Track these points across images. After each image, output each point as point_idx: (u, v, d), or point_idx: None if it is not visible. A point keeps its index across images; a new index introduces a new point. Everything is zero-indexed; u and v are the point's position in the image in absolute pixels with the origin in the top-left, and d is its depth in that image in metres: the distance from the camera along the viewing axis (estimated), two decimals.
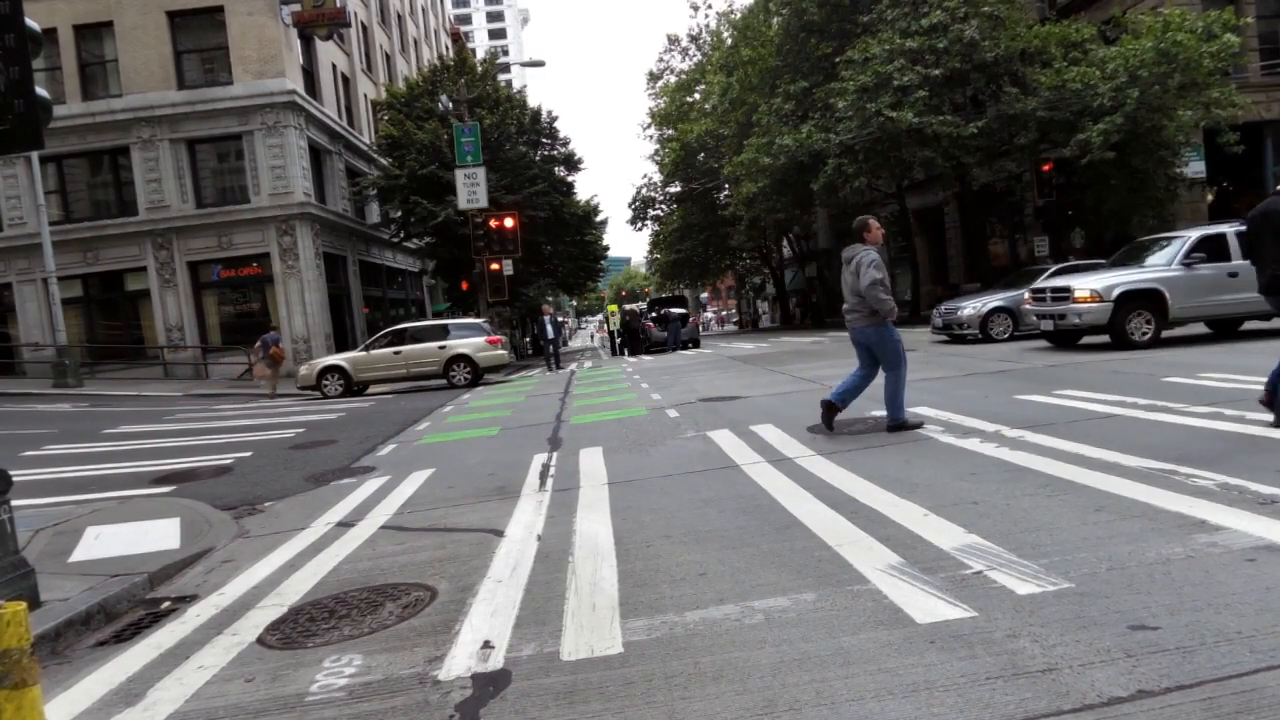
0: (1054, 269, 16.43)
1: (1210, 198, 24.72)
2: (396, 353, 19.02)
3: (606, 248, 42.06)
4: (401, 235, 31.35)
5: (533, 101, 34.63)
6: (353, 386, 18.88)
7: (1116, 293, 11.94)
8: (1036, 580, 3.49)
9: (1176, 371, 9.09)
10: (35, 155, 20.83)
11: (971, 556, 3.87)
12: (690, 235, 44.40)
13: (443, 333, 19.52)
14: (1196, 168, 23.11)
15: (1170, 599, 3.18)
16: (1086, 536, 4.00)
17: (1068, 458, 5.59)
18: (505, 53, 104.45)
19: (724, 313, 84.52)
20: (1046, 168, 22.73)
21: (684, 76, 48.75)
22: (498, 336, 20.60)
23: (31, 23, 4.75)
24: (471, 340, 19.25)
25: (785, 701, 2.71)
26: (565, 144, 33.87)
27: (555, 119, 33.37)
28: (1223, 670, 2.59)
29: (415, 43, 44.62)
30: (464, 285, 30.43)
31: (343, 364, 19.00)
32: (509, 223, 24.96)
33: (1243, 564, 3.46)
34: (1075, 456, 5.60)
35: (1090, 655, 2.78)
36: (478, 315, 24.57)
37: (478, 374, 19.11)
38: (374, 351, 19.15)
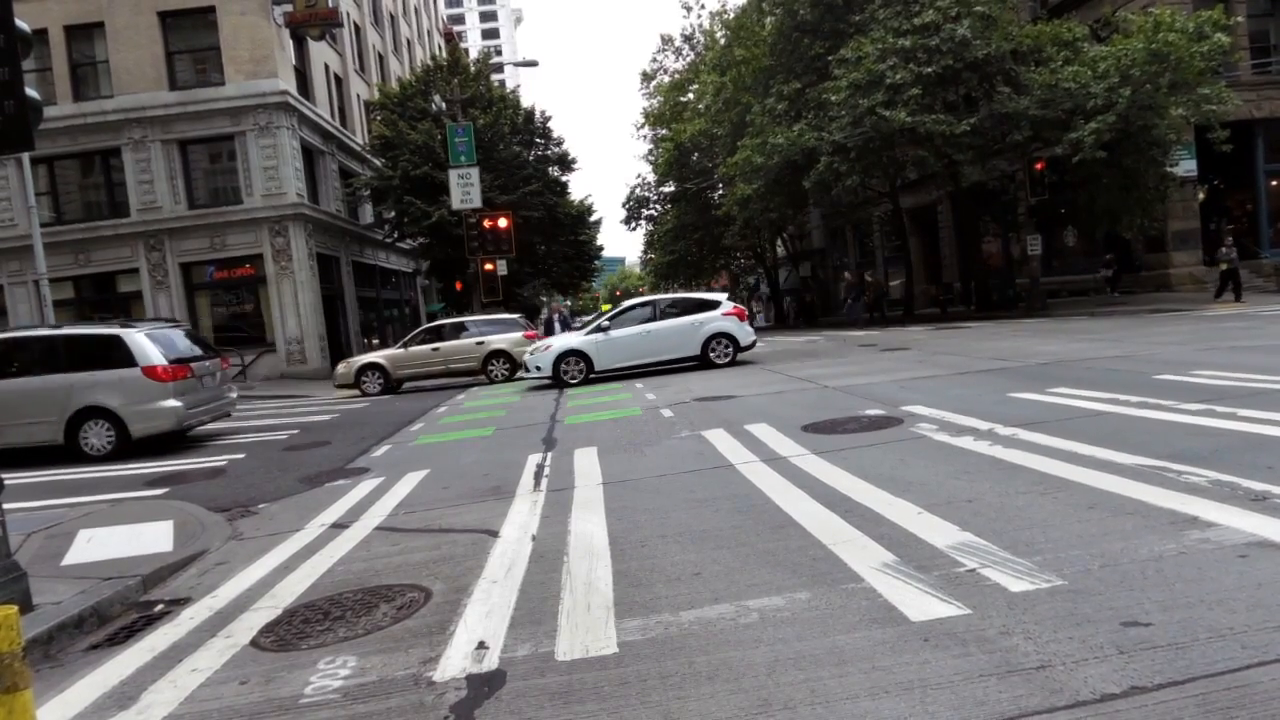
0: None
1: (1201, 196, 24.85)
2: (435, 349, 19.06)
3: (601, 247, 42.04)
4: (395, 236, 31.28)
5: (526, 102, 34.59)
6: (391, 384, 18.90)
7: None
8: (1030, 578, 3.51)
9: (1168, 369, 9.13)
10: (26, 156, 20.65)
11: (965, 554, 3.88)
12: (684, 235, 44.35)
13: (479, 328, 19.64)
14: (1188, 166, 23.22)
15: (1163, 596, 3.19)
16: (1079, 534, 4.01)
17: (1060, 455, 5.61)
18: (498, 53, 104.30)
19: None
20: (1039, 166, 22.81)
21: (677, 76, 48.71)
22: (534, 331, 20.82)
23: (21, 23, 4.73)
24: (509, 335, 19.44)
25: (780, 700, 2.71)
26: (559, 144, 33.85)
27: (549, 119, 33.35)
28: (1215, 666, 2.61)
29: (408, 43, 44.52)
30: (458, 285, 30.39)
31: (381, 361, 19.01)
32: (503, 223, 24.92)
33: (1235, 560, 3.48)
34: (1068, 454, 5.62)
35: (1083, 652, 2.80)
36: (472, 315, 24.57)
37: (515, 369, 19.23)
38: (412, 349, 19.19)
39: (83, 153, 24.85)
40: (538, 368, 15.81)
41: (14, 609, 2.35)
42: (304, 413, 15.64)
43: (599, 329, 16.04)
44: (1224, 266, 19.81)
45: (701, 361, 15.78)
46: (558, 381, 15.49)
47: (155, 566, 5.21)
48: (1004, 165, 24.69)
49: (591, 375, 15.66)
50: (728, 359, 15.82)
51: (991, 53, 21.74)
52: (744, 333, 16.10)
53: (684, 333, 15.84)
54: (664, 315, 16.15)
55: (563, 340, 16.25)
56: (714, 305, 16.29)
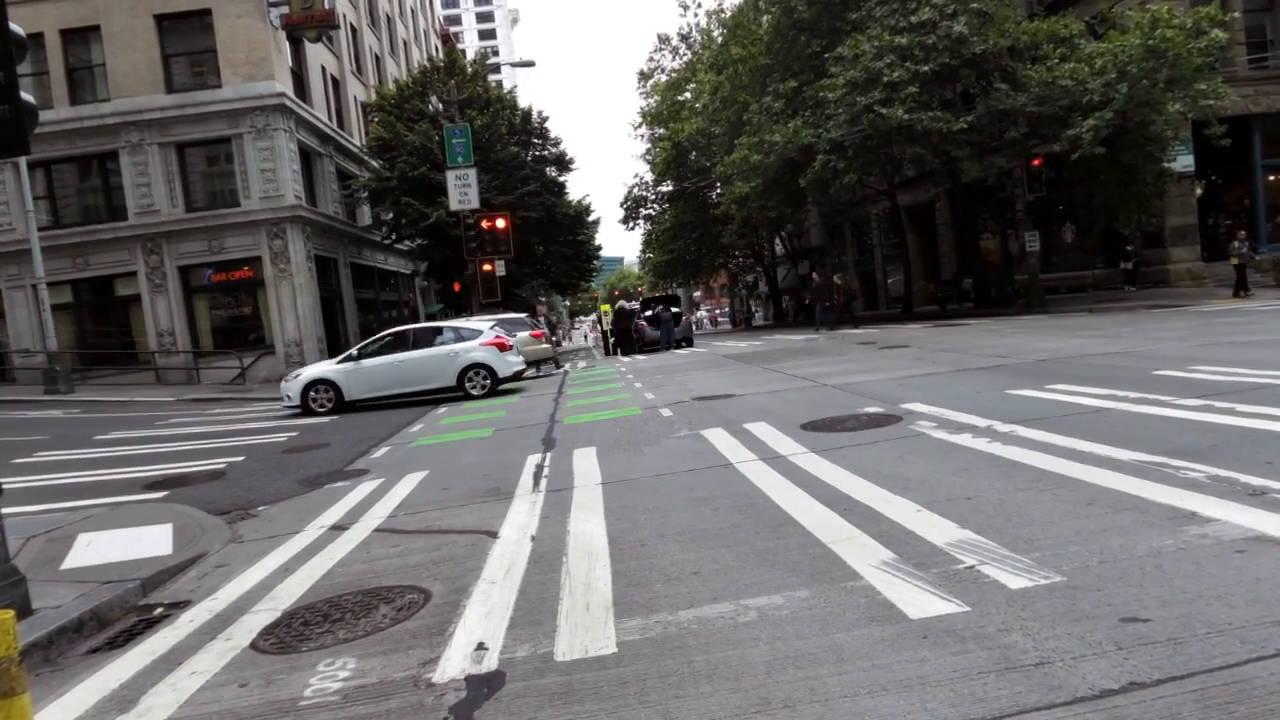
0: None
1: (1199, 191, 24.85)
2: None
3: (599, 247, 42.03)
4: (393, 237, 31.28)
5: (523, 102, 34.60)
6: None
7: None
8: (1029, 574, 3.51)
9: (1167, 365, 9.14)
10: (23, 161, 20.69)
11: (964, 551, 3.88)
12: (683, 234, 44.38)
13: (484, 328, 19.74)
14: (1185, 162, 23.21)
15: (1161, 591, 3.19)
16: (1078, 530, 4.02)
17: (1059, 452, 5.61)
18: (495, 53, 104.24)
19: (717, 311, 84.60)
20: (1036, 163, 22.81)
21: (675, 75, 48.72)
22: (540, 330, 20.96)
23: (16, 27, 4.73)
24: (516, 335, 19.51)
25: (779, 699, 2.71)
26: (556, 144, 33.85)
27: (546, 119, 33.35)
28: (1214, 661, 2.61)
29: (405, 44, 44.49)
30: (456, 286, 30.40)
31: None
32: (501, 223, 24.93)
33: (1233, 555, 3.48)
34: (1067, 450, 5.62)
35: (1082, 648, 2.80)
36: (471, 316, 24.62)
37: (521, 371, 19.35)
38: None
39: (80, 156, 24.81)
40: (288, 396, 15.46)
41: (10, 614, 2.35)
42: (303, 414, 15.62)
43: (349, 357, 15.65)
44: (1235, 261, 19.51)
45: (458, 392, 15.38)
46: (307, 411, 15.03)
47: (155, 570, 5.21)
48: (1002, 162, 24.70)
49: (344, 405, 15.20)
50: (484, 390, 15.41)
51: (988, 49, 21.74)
52: (503, 363, 15.67)
53: (439, 363, 15.45)
54: (419, 344, 15.77)
55: (312, 369, 15.87)
56: (473, 335, 15.90)
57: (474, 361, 15.45)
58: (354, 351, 15.82)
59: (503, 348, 15.77)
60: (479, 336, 15.76)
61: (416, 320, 38.47)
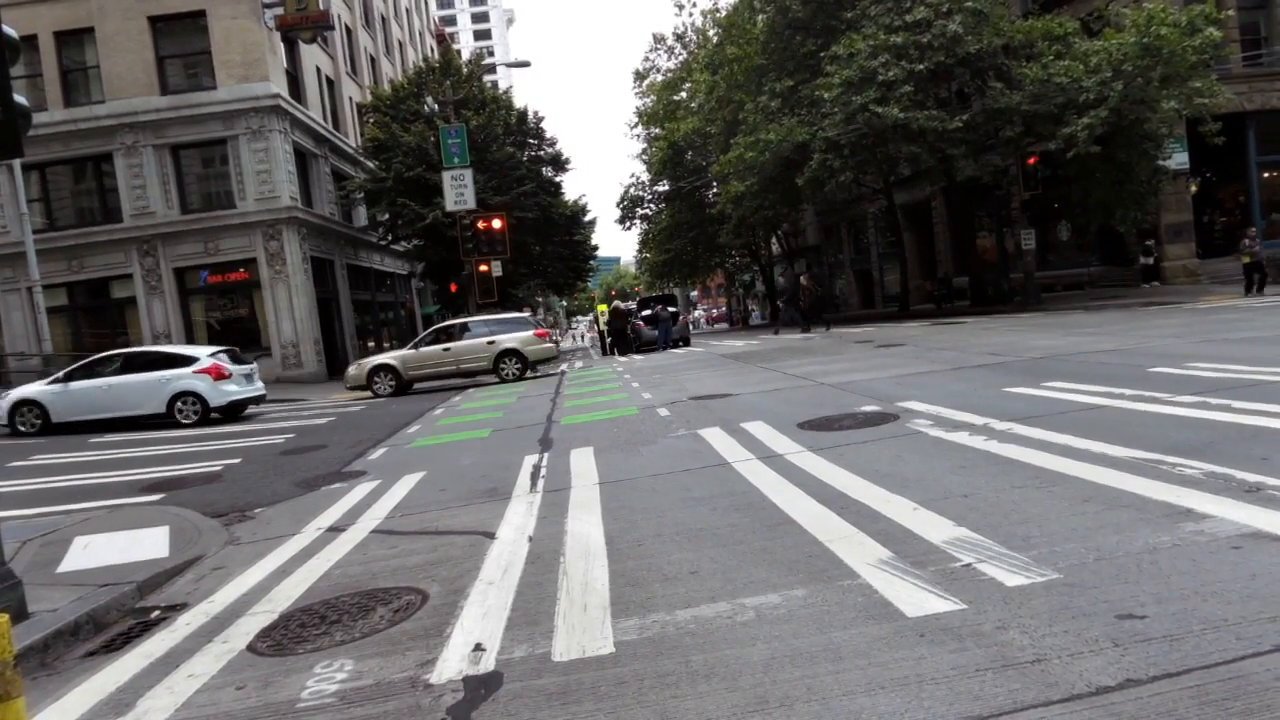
0: None
1: (1194, 189, 24.90)
2: (446, 349, 19.16)
3: (595, 247, 41.98)
4: (389, 238, 31.24)
5: (519, 102, 34.55)
6: (403, 385, 18.99)
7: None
8: (1025, 572, 3.51)
9: (1163, 362, 9.16)
10: (17, 163, 20.63)
11: (961, 549, 3.89)
12: (679, 234, 44.39)
13: (489, 328, 19.69)
14: (1180, 159, 23.27)
15: (1157, 588, 3.20)
16: (1075, 527, 4.02)
17: (1056, 449, 5.62)
18: (490, 53, 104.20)
19: (714, 310, 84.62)
20: (1032, 161, 22.86)
21: (670, 75, 48.74)
22: (545, 329, 20.79)
23: (9, 30, 4.72)
24: (519, 334, 19.59)
25: (777, 698, 2.71)
26: (552, 144, 33.83)
27: (542, 119, 33.33)
28: (1210, 658, 2.61)
29: (400, 45, 44.44)
30: (453, 287, 30.37)
31: (393, 363, 19.10)
32: (497, 224, 24.90)
33: (1229, 552, 3.49)
34: (1063, 448, 5.63)
35: (1078, 645, 2.80)
36: (469, 316, 24.63)
37: (526, 367, 19.32)
38: (423, 349, 19.30)
39: (75, 159, 24.77)
40: None
41: (6, 617, 2.34)
42: (300, 416, 15.61)
43: (57, 379, 15.35)
44: (1246, 259, 19.15)
45: (169, 419, 14.92)
46: (14, 432, 14.72)
47: (151, 573, 5.20)
48: (997, 160, 24.74)
49: (52, 427, 14.84)
50: (195, 418, 14.90)
51: (983, 48, 21.78)
52: (216, 393, 15.07)
53: (148, 388, 14.99)
54: (132, 369, 15.28)
55: (20, 390, 15.53)
56: (187, 361, 15.35)
57: (184, 389, 14.95)
58: (61, 374, 15.49)
59: (218, 375, 15.16)
60: (194, 364, 15.22)
61: (414, 321, 38.51)
